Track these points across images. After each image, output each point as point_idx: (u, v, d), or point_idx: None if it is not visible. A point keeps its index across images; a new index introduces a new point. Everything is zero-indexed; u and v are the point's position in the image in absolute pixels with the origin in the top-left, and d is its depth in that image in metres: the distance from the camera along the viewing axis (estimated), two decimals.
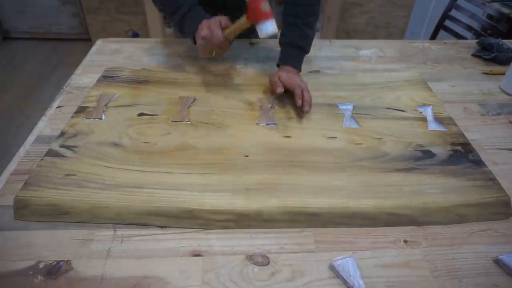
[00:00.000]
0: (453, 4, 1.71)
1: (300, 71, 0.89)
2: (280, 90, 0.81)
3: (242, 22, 0.76)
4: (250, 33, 1.11)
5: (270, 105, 0.83)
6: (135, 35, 2.53)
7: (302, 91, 0.79)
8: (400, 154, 0.71)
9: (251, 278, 0.51)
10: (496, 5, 1.80)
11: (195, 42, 0.83)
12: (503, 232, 0.59)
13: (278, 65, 0.89)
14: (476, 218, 0.61)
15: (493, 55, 1.07)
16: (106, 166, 0.65)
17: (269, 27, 0.71)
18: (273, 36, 0.73)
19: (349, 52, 1.09)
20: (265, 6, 0.69)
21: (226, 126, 0.76)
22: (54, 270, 0.51)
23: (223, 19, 0.79)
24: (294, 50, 0.88)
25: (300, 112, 0.79)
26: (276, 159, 0.68)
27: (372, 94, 0.88)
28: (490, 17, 1.76)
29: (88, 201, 0.58)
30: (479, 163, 0.69)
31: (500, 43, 1.09)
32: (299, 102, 0.78)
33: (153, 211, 0.58)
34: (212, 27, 0.77)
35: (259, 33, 0.73)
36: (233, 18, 0.82)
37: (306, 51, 0.90)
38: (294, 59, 0.88)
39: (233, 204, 0.59)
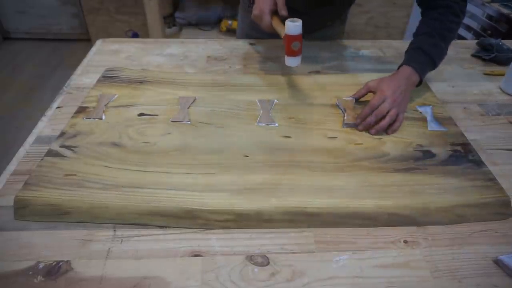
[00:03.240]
0: None
1: (420, 81, 0.82)
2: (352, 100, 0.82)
3: (281, 34, 0.81)
4: (251, 32, 1.12)
5: (271, 104, 0.82)
6: (135, 35, 2.53)
7: (375, 116, 0.73)
8: (400, 154, 0.71)
9: (251, 279, 0.51)
10: (496, 6, 1.80)
11: (253, 2, 0.88)
12: (503, 232, 0.59)
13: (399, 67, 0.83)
14: (476, 218, 0.61)
15: (493, 55, 1.07)
16: (106, 166, 0.65)
17: (292, 62, 0.81)
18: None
19: (349, 52, 1.10)
20: (295, 45, 0.78)
21: (226, 126, 0.76)
22: (54, 271, 0.51)
23: (279, 1, 0.82)
24: (421, 54, 0.82)
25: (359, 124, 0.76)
26: (276, 159, 0.68)
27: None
28: (490, 17, 1.76)
29: (88, 201, 0.58)
30: (479, 163, 0.69)
31: (500, 43, 1.09)
32: (358, 120, 0.76)
33: (153, 211, 0.58)
34: (263, 11, 0.82)
35: (285, 60, 0.81)
36: (314, 22, 0.85)
37: (434, 62, 0.83)
38: (418, 62, 0.81)
39: (233, 204, 0.59)
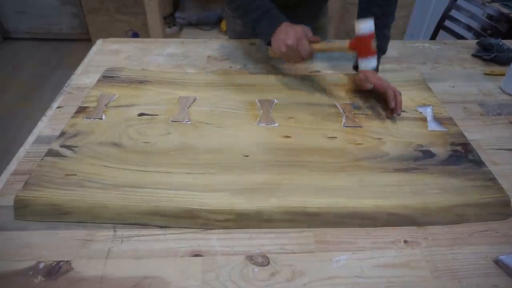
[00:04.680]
0: (453, 5, 1.71)
1: (378, 71, 0.88)
2: (369, 86, 0.81)
3: (340, 46, 0.80)
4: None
5: (271, 104, 0.82)
6: (135, 35, 2.53)
7: (394, 93, 0.79)
8: (400, 154, 0.71)
9: (251, 278, 0.51)
10: (496, 5, 1.80)
11: (268, 43, 0.85)
12: (503, 232, 0.59)
13: (356, 66, 0.89)
14: (476, 218, 0.61)
15: (493, 55, 1.07)
16: (106, 166, 0.65)
17: (372, 63, 0.78)
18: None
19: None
20: (374, 44, 0.76)
21: (226, 126, 0.76)
22: (54, 271, 0.51)
23: (307, 30, 0.82)
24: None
25: (391, 114, 0.80)
26: (276, 159, 0.68)
27: (372, 94, 0.88)
28: (490, 17, 1.76)
29: (88, 201, 0.58)
30: (479, 163, 0.69)
31: (500, 43, 1.09)
32: (392, 104, 0.78)
33: (153, 211, 0.58)
34: (300, 38, 0.79)
35: (360, 64, 0.78)
36: (295, 16, 0.86)
37: (384, 52, 0.90)
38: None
39: (233, 204, 0.59)
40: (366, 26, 0.75)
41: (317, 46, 0.82)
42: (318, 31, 1.18)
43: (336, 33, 2.35)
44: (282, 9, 0.86)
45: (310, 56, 0.82)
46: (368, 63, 0.78)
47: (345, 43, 0.79)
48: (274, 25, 0.84)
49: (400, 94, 0.80)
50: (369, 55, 0.77)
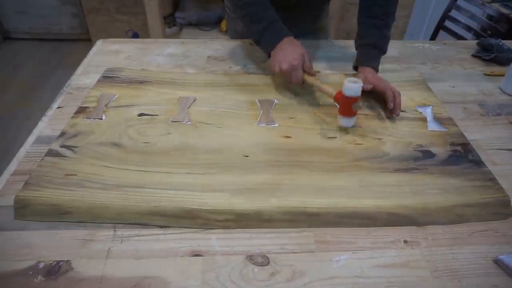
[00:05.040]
0: (453, 5, 1.71)
1: (378, 72, 0.89)
2: (369, 86, 0.80)
3: (329, 91, 0.78)
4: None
5: (271, 104, 0.82)
6: (135, 35, 2.53)
7: (393, 94, 0.79)
8: (400, 154, 0.71)
9: (251, 278, 0.51)
10: (496, 6, 1.80)
11: (269, 56, 0.86)
12: (503, 232, 0.59)
13: (356, 67, 0.90)
14: (476, 218, 0.61)
15: (493, 55, 1.07)
16: (106, 166, 0.65)
17: (349, 123, 0.76)
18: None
19: (349, 52, 1.09)
20: (356, 106, 0.74)
21: (226, 126, 0.76)
22: (54, 270, 0.51)
23: (306, 56, 0.82)
24: (375, 51, 0.89)
25: (390, 114, 0.80)
26: (276, 159, 0.68)
27: (372, 94, 0.88)
28: (490, 17, 1.76)
29: (88, 201, 0.58)
30: (478, 163, 0.69)
31: (500, 43, 1.09)
32: (391, 105, 0.78)
33: (153, 211, 0.58)
34: (295, 66, 0.79)
35: (338, 121, 0.76)
36: (296, 17, 0.84)
37: (385, 52, 0.90)
38: (375, 60, 0.88)
39: (233, 204, 0.59)
40: (352, 88, 0.72)
41: (309, 79, 0.82)
42: (320, 32, 1.18)
43: (336, 33, 2.35)
44: (283, 10, 0.86)
45: (301, 84, 0.83)
46: (346, 122, 0.75)
47: (333, 91, 0.77)
48: (276, 38, 0.84)
49: (400, 95, 0.80)
50: (349, 116, 0.74)
